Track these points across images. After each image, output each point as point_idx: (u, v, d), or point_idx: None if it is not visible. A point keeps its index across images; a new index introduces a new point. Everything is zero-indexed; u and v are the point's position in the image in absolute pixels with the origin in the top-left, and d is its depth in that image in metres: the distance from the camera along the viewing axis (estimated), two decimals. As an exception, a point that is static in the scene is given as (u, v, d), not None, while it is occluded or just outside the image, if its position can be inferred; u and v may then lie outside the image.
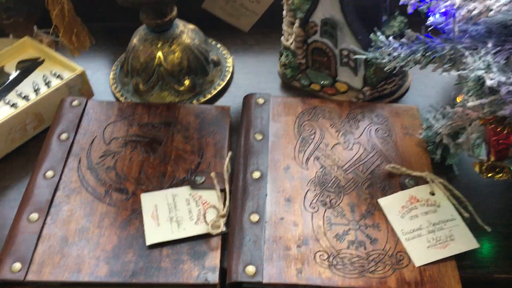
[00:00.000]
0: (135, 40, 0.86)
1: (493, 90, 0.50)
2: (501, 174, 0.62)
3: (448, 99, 0.83)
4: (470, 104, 0.51)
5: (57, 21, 0.66)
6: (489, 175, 0.63)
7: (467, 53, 0.54)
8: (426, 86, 0.86)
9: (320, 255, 0.62)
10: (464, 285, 0.60)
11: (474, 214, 0.66)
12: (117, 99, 0.88)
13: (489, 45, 0.55)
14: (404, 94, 0.86)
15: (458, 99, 0.67)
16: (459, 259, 0.62)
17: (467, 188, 0.71)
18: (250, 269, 0.60)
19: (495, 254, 0.64)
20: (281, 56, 0.89)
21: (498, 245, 0.65)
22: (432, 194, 0.68)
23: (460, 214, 0.65)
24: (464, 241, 0.63)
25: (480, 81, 0.50)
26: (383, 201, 0.67)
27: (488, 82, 0.49)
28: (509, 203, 0.69)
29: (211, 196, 0.70)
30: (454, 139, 0.70)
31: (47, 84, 0.85)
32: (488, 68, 0.50)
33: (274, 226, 0.64)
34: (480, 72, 0.50)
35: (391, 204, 0.67)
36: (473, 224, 0.66)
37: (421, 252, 0.62)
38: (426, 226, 0.64)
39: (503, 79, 0.48)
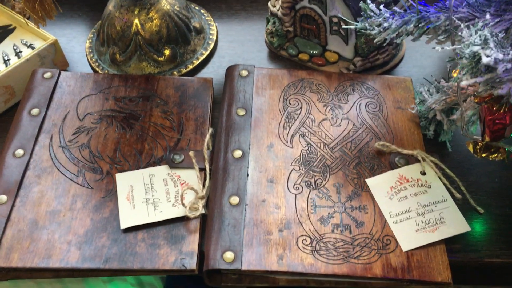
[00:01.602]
0: (110, 6, 0.81)
1: (489, 68, 0.46)
2: (496, 155, 0.58)
3: (445, 71, 0.79)
4: (464, 82, 0.46)
5: (18, -13, 0.60)
6: (484, 155, 0.59)
7: (462, 25, 0.49)
8: (422, 56, 0.81)
9: (302, 240, 0.59)
10: (454, 269, 0.57)
11: (467, 195, 0.63)
12: (94, 70, 0.83)
13: (487, 16, 0.50)
14: (398, 64, 0.81)
15: (454, 74, 0.63)
16: (449, 242, 0.59)
17: (460, 166, 0.68)
18: (229, 255, 0.57)
19: (487, 237, 0.61)
20: (267, 23, 0.84)
21: (490, 228, 0.62)
22: (423, 173, 0.64)
23: (452, 195, 0.62)
24: (455, 224, 0.59)
25: (475, 57, 0.46)
26: (371, 181, 0.64)
27: (484, 60, 0.44)
28: (504, 182, 0.66)
29: (190, 176, 0.66)
30: (448, 115, 0.66)
31: (18, 54, 0.80)
32: (484, 43, 0.45)
33: (255, 209, 0.61)
34: (475, 48, 0.45)
35: (380, 184, 0.63)
36: (465, 205, 0.62)
37: (409, 236, 0.59)
38: (416, 208, 0.61)
39: (500, 56, 0.44)
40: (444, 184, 0.63)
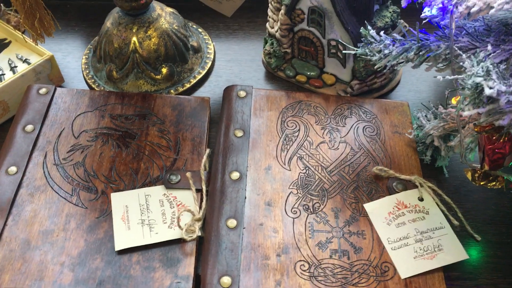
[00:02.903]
0: (108, 23, 0.80)
1: (491, 99, 0.46)
2: (494, 183, 0.58)
3: (441, 96, 0.79)
4: (466, 113, 0.47)
5: (17, 5, 0.60)
6: (482, 183, 0.59)
7: (464, 55, 0.50)
8: (418, 80, 0.82)
9: (300, 265, 0.58)
10: (451, 297, 0.57)
11: (464, 222, 0.63)
12: (90, 87, 0.82)
13: (489, 47, 0.50)
14: (394, 88, 0.81)
15: (454, 101, 0.63)
16: (447, 269, 0.59)
17: (457, 192, 0.68)
18: (226, 280, 0.56)
19: (484, 265, 0.61)
20: (265, 43, 0.84)
21: (487, 255, 0.62)
22: (421, 199, 0.64)
23: (450, 221, 0.62)
24: (453, 251, 0.59)
25: (477, 88, 0.46)
26: (369, 207, 0.63)
27: (487, 91, 0.45)
28: (500, 209, 0.66)
29: (187, 197, 0.65)
30: (445, 141, 0.66)
31: (13, 69, 0.79)
32: (487, 74, 0.45)
33: (253, 233, 0.60)
34: (478, 79, 0.45)
35: (378, 210, 0.63)
36: (462, 232, 0.62)
37: (407, 263, 0.59)
38: (414, 235, 0.61)
39: (503, 88, 0.44)
40: (442, 211, 0.63)
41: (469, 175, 0.60)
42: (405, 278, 0.57)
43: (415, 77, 0.82)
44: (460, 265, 0.60)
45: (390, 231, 0.61)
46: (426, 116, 0.68)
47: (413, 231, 0.61)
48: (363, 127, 0.72)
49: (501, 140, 0.52)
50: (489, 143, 0.53)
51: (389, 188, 0.65)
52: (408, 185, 0.65)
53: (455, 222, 0.62)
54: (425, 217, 0.63)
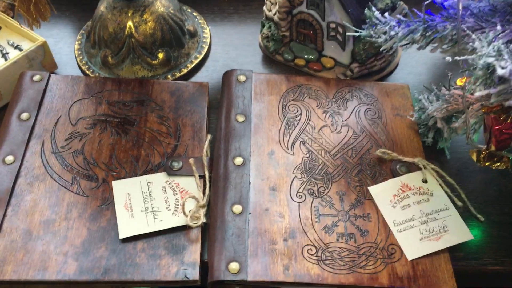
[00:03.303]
0: (102, 7, 0.78)
1: (503, 79, 0.46)
2: (499, 164, 0.58)
3: (440, 77, 0.79)
4: (478, 94, 0.46)
5: (12, -12, 0.58)
6: (487, 164, 0.59)
7: (474, 35, 0.50)
8: (417, 62, 0.82)
9: (308, 250, 0.58)
10: (456, 277, 0.57)
11: (468, 203, 0.63)
12: (84, 73, 0.81)
13: (498, 27, 0.50)
14: (393, 71, 0.81)
15: (459, 82, 0.63)
16: (452, 250, 0.59)
17: (459, 173, 0.68)
18: (234, 266, 0.56)
19: (488, 245, 0.62)
20: (263, 27, 0.83)
21: (491, 235, 0.62)
22: (425, 181, 0.64)
23: (454, 202, 0.62)
24: (458, 232, 0.60)
25: (489, 69, 0.46)
26: (373, 190, 0.63)
27: (499, 71, 0.44)
28: (502, 190, 0.66)
29: (189, 184, 0.64)
30: (448, 122, 0.66)
31: (4, 56, 0.77)
32: (499, 54, 0.45)
33: (259, 218, 0.60)
34: (490, 60, 0.45)
35: (382, 192, 0.63)
36: (465, 213, 0.63)
37: (413, 245, 0.59)
38: (419, 217, 0.61)
39: (516, 67, 0.44)
40: (446, 192, 0.63)
41: (474, 156, 0.60)
42: (412, 260, 0.58)
43: (414, 60, 0.82)
44: (464, 246, 0.61)
45: (396, 214, 0.61)
46: (428, 98, 0.67)
47: (418, 213, 0.61)
48: (365, 110, 0.71)
49: (509, 121, 0.52)
50: (497, 124, 0.53)
51: (393, 170, 0.65)
52: (411, 168, 0.65)
53: (459, 203, 0.62)
54: (430, 198, 0.63)
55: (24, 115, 0.69)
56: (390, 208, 0.62)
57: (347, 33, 0.69)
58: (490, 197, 0.66)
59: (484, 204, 0.65)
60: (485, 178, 0.67)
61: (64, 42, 0.86)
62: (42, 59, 0.77)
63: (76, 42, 0.84)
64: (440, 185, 0.63)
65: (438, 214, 0.61)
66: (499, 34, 0.49)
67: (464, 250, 0.61)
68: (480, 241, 0.62)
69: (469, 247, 0.61)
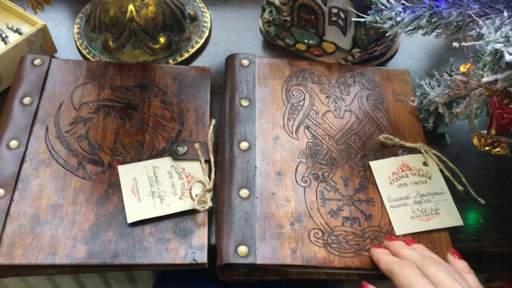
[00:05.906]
0: (103, -9, 0.77)
1: (510, 64, 0.47)
2: (498, 149, 0.60)
3: (439, 63, 0.80)
4: (485, 79, 0.47)
5: (16, -30, 0.57)
6: (487, 148, 0.61)
7: (481, 21, 0.50)
8: (417, 48, 0.82)
9: (314, 233, 0.59)
10: (457, 259, 0.59)
11: (468, 187, 0.64)
12: (84, 57, 0.80)
13: (505, 14, 0.51)
14: (393, 56, 0.82)
15: (463, 68, 0.64)
16: (452, 232, 0.61)
17: (458, 158, 0.70)
18: (242, 249, 0.57)
19: (487, 227, 0.63)
20: (263, 11, 0.83)
21: (490, 218, 0.64)
22: (426, 164, 0.65)
23: (453, 187, 0.64)
24: (449, 216, 0.61)
25: (497, 55, 0.46)
26: (374, 164, 0.64)
27: (507, 57, 0.45)
28: (501, 174, 0.68)
29: (195, 168, 0.65)
30: (449, 108, 0.67)
31: (4, 39, 0.76)
32: (507, 40, 0.46)
33: (265, 202, 0.61)
34: (498, 46, 0.46)
35: (382, 168, 0.64)
36: (466, 196, 0.64)
37: (403, 221, 0.60)
38: (414, 196, 0.62)
39: (524, 54, 0.45)
40: (446, 176, 0.64)
41: (475, 141, 0.61)
42: (400, 235, 0.59)
43: (414, 45, 0.83)
44: (465, 228, 0.62)
45: (392, 190, 0.63)
46: (429, 83, 0.68)
47: (413, 193, 0.63)
48: (367, 96, 0.72)
49: (511, 105, 0.54)
50: (499, 107, 0.54)
51: (395, 155, 0.66)
52: (413, 153, 0.66)
53: (460, 187, 0.64)
54: (427, 181, 0.64)
55: (27, 100, 0.69)
56: (387, 184, 0.63)
57: (352, 19, 0.69)
58: (490, 181, 0.67)
59: (483, 187, 0.66)
60: (484, 162, 0.69)
61: (62, 26, 0.85)
62: (42, 43, 0.77)
63: (75, 26, 0.83)
64: (441, 169, 0.65)
65: (433, 197, 0.63)
66: (505, 21, 0.50)
67: (464, 232, 0.63)
68: (480, 224, 0.64)
69: (469, 229, 0.63)
